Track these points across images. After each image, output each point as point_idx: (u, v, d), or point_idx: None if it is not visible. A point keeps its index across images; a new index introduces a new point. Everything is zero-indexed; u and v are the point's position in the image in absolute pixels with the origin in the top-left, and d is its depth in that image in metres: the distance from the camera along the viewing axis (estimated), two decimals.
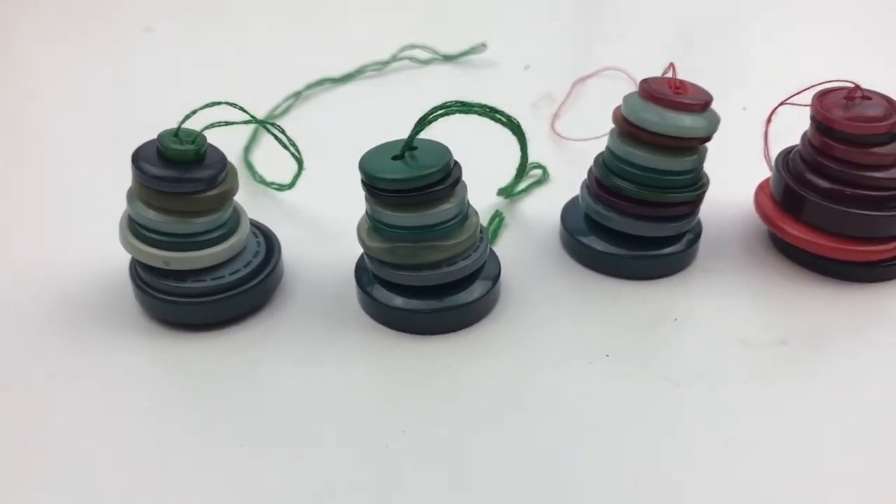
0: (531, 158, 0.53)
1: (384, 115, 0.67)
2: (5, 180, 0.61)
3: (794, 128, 0.51)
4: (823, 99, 0.48)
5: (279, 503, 0.38)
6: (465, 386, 0.43)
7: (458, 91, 0.52)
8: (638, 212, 0.49)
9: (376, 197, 0.44)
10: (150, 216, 0.44)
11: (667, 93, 0.47)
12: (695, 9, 0.89)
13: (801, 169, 0.49)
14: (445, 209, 0.44)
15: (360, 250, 0.48)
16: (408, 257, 0.45)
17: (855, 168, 0.47)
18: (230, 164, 0.46)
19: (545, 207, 0.56)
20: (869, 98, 0.48)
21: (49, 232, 0.55)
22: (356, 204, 0.47)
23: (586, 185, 0.51)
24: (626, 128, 0.48)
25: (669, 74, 0.48)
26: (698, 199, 0.49)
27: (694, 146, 0.48)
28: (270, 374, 0.44)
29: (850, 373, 0.44)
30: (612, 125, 0.49)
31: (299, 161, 0.52)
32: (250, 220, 0.49)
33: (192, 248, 0.45)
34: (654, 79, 0.48)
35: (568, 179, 0.57)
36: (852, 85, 0.48)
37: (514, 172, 0.53)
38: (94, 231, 0.52)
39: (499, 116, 0.46)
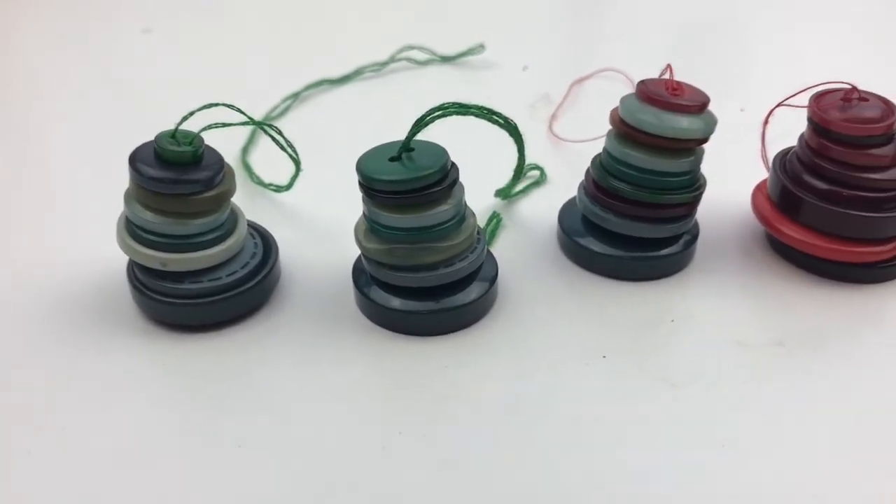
0: (529, 160, 0.53)
1: (382, 117, 0.68)
2: (2, 181, 0.61)
3: (791, 129, 0.51)
4: (820, 100, 0.49)
5: (277, 503, 0.38)
6: (463, 387, 0.43)
7: (456, 92, 0.52)
8: (635, 213, 0.49)
9: (373, 198, 0.44)
10: (148, 217, 0.44)
11: (664, 94, 0.47)
12: (693, 10, 0.89)
13: (799, 170, 0.49)
14: (442, 210, 0.44)
15: (358, 251, 0.48)
16: (405, 258, 0.45)
17: (852, 169, 0.47)
18: (227, 165, 0.46)
19: (543, 209, 0.56)
20: (866, 99, 0.48)
21: (46, 233, 0.55)
22: (354, 205, 0.47)
23: (583, 187, 0.51)
24: (623, 129, 0.48)
25: (666, 76, 0.48)
26: (695, 201, 0.49)
27: (691, 147, 0.48)
28: (268, 375, 0.44)
29: (847, 373, 0.44)
30: (609, 126, 0.49)
31: (297, 162, 0.52)
32: (248, 221, 0.49)
33: (190, 249, 0.45)
34: (651, 80, 0.48)
35: (566, 181, 0.57)
36: (849, 86, 0.48)
37: (511, 174, 0.53)
38: (91, 232, 0.52)
39: (496, 118, 0.46)
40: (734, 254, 0.52)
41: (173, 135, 0.44)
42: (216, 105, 0.45)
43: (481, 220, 0.53)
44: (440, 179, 0.44)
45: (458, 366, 0.45)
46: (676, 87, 0.47)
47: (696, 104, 0.47)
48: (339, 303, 0.48)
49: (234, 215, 0.47)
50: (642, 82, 0.48)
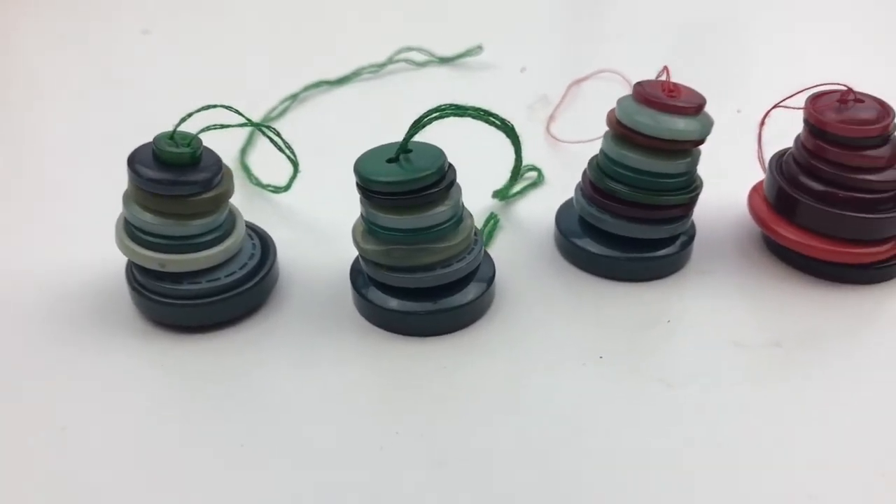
0: (526, 161, 0.53)
1: (381, 118, 0.68)
2: (1, 182, 0.61)
3: (788, 130, 0.51)
4: (816, 102, 0.49)
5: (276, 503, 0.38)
6: (460, 387, 0.44)
7: (454, 93, 0.52)
8: (632, 214, 0.49)
9: (371, 199, 0.44)
10: (146, 219, 0.44)
11: (660, 96, 0.47)
12: (691, 11, 0.90)
13: (795, 171, 0.49)
14: (440, 212, 0.44)
15: (356, 252, 0.48)
16: (402, 259, 0.45)
17: (848, 171, 0.47)
18: (226, 166, 0.46)
19: (540, 210, 0.56)
20: (861, 101, 0.48)
21: (45, 234, 0.55)
22: (351, 206, 0.47)
23: (580, 188, 0.52)
24: (620, 130, 0.48)
25: (663, 77, 0.48)
26: (692, 202, 0.50)
27: (687, 149, 0.48)
28: (266, 375, 0.44)
29: (844, 374, 0.44)
30: (606, 128, 0.50)
31: (295, 164, 0.52)
32: (246, 222, 0.49)
33: (188, 250, 0.45)
34: (648, 82, 0.48)
35: (563, 182, 0.57)
36: (845, 88, 0.48)
37: (509, 175, 0.54)
38: (90, 233, 0.52)
39: (493, 119, 0.46)
40: (731, 255, 0.52)
41: (172, 136, 0.44)
42: (214, 106, 0.45)
43: (479, 221, 0.54)
44: (437, 181, 0.44)
45: (455, 366, 0.45)
46: (673, 89, 0.48)
47: (693, 106, 0.47)
48: (336, 303, 0.48)
49: (233, 216, 0.47)
50: (639, 84, 0.48)
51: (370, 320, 0.47)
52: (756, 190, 0.53)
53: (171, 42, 0.83)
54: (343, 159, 0.46)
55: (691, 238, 0.51)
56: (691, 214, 0.51)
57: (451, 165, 0.45)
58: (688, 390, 0.43)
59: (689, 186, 0.49)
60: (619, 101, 0.48)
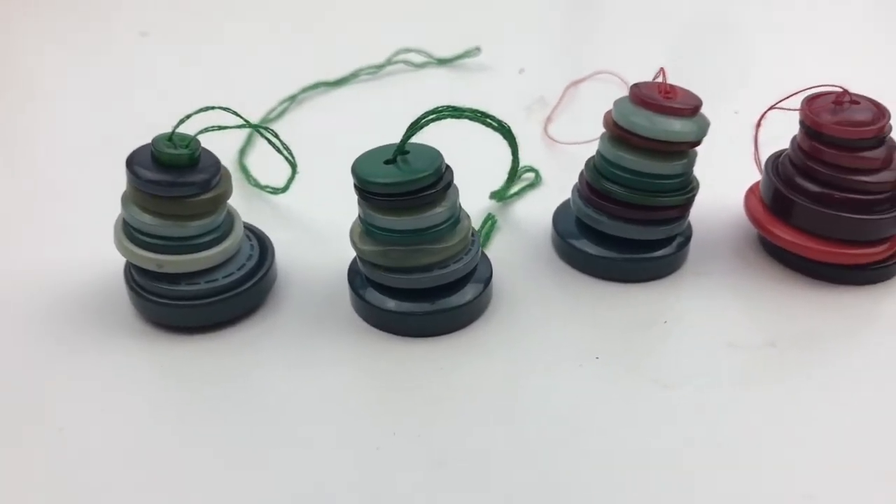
0: (524, 162, 0.53)
1: (379, 119, 0.68)
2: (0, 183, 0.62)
3: (784, 132, 0.51)
4: (812, 103, 0.49)
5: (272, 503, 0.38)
6: (457, 388, 0.44)
7: (452, 95, 0.53)
8: (628, 215, 0.49)
9: (368, 201, 0.44)
10: (145, 220, 0.44)
11: (656, 97, 0.47)
12: (688, 13, 0.90)
13: (791, 173, 0.50)
14: (437, 213, 0.44)
15: (353, 253, 0.48)
16: (400, 260, 0.45)
17: (844, 172, 0.48)
18: (224, 167, 0.46)
19: (537, 211, 0.56)
20: (857, 102, 0.49)
21: (44, 235, 0.55)
22: (349, 207, 0.47)
23: (577, 189, 0.52)
24: (617, 132, 0.48)
25: (660, 79, 0.49)
26: (688, 203, 0.50)
27: (683, 150, 0.48)
28: (264, 376, 0.44)
29: (840, 374, 0.44)
30: (603, 129, 0.50)
31: (293, 165, 0.52)
32: (244, 223, 0.49)
33: (186, 251, 0.45)
34: (645, 83, 0.49)
35: (560, 183, 0.57)
36: (840, 89, 0.49)
37: (506, 176, 0.54)
38: (88, 234, 0.52)
39: (490, 121, 0.46)
40: (727, 256, 0.53)
41: (170, 138, 0.44)
42: (213, 108, 0.45)
43: (476, 222, 0.54)
44: (435, 182, 0.44)
45: (452, 367, 0.45)
46: (669, 91, 0.48)
47: (689, 107, 0.47)
48: (334, 304, 0.49)
49: (231, 217, 0.48)
50: (635, 85, 0.48)
51: (368, 321, 0.47)
52: (752, 191, 0.53)
53: (169, 43, 0.83)
54: (341, 160, 0.46)
55: (688, 239, 0.51)
56: (688, 216, 0.51)
57: (448, 167, 0.45)
58: (684, 391, 0.43)
59: (686, 188, 0.49)
60: (616, 103, 0.49)
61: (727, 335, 0.47)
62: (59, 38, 0.84)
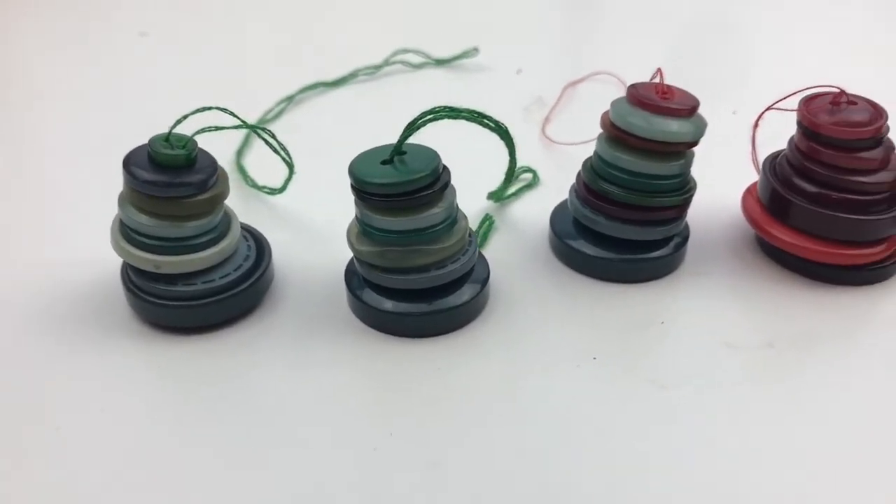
0: (522, 162, 0.53)
1: (377, 119, 0.68)
2: None
3: (781, 132, 0.51)
4: (810, 104, 0.49)
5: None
6: (454, 388, 0.44)
7: (450, 95, 0.53)
8: (626, 216, 0.49)
9: (365, 201, 0.44)
10: (142, 220, 0.44)
11: (654, 98, 0.47)
12: (687, 13, 0.90)
13: (788, 173, 0.50)
14: (434, 213, 0.44)
15: (350, 254, 0.48)
16: (397, 261, 0.45)
17: (841, 172, 0.48)
18: (221, 168, 0.46)
19: (535, 211, 0.56)
20: (854, 103, 0.49)
21: (41, 235, 0.55)
22: (347, 208, 0.47)
23: (575, 190, 0.52)
24: (614, 132, 0.48)
25: (657, 80, 0.49)
26: (685, 203, 0.50)
27: (681, 151, 0.48)
28: (261, 376, 0.44)
29: (837, 375, 0.44)
30: (600, 130, 0.50)
31: (290, 165, 0.52)
32: (241, 223, 0.49)
33: (183, 251, 0.45)
34: (642, 84, 0.49)
35: (558, 183, 0.57)
36: (838, 90, 0.49)
37: (503, 176, 0.54)
38: (86, 235, 0.52)
39: (487, 121, 0.46)
40: (724, 256, 0.53)
41: (167, 138, 0.44)
42: (210, 108, 0.45)
43: (474, 223, 0.54)
44: (432, 182, 0.44)
45: (450, 367, 0.45)
46: (666, 91, 0.48)
47: (686, 108, 0.47)
48: (331, 305, 0.49)
49: (228, 218, 0.48)
50: (633, 86, 0.48)
51: (365, 321, 0.47)
52: (750, 192, 0.53)
53: (168, 44, 0.83)
54: (339, 161, 0.46)
55: (685, 240, 0.51)
56: (685, 216, 0.51)
57: (445, 167, 0.45)
58: (681, 391, 0.43)
59: (683, 188, 0.49)
60: (613, 104, 0.49)
61: (725, 335, 0.47)
62: (57, 38, 0.84)
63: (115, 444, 0.41)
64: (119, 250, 0.46)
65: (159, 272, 0.45)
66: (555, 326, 0.47)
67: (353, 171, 0.44)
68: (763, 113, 0.51)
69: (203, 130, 0.44)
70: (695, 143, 0.48)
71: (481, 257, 0.50)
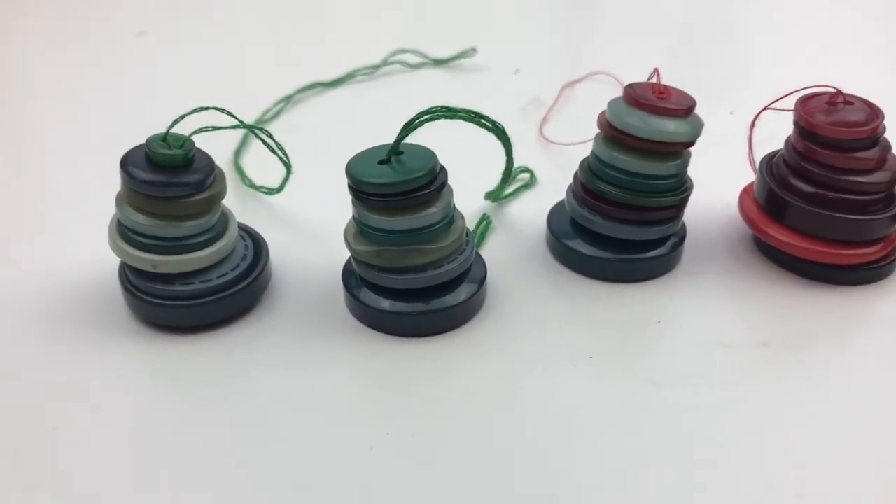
0: (519, 162, 0.53)
1: (375, 120, 0.68)
2: None
3: (778, 132, 0.51)
4: (806, 104, 0.49)
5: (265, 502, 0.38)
6: (451, 387, 0.44)
7: (448, 95, 0.53)
8: (622, 216, 0.49)
9: (363, 201, 0.44)
10: (139, 220, 0.44)
11: (650, 98, 0.47)
12: (685, 13, 0.90)
13: (785, 173, 0.50)
14: (431, 213, 0.44)
15: (348, 254, 0.48)
16: (394, 261, 0.45)
17: (837, 172, 0.48)
18: (218, 168, 0.46)
19: (532, 211, 0.56)
20: (851, 103, 0.49)
21: (39, 235, 0.55)
22: (344, 208, 0.47)
23: (572, 190, 0.52)
24: (611, 132, 0.48)
25: (654, 80, 0.49)
26: (682, 203, 0.50)
27: (677, 151, 0.48)
28: (258, 376, 0.44)
29: (832, 375, 0.44)
30: (597, 130, 0.50)
31: (287, 165, 0.52)
32: (239, 223, 0.49)
33: (181, 251, 0.45)
34: (639, 84, 0.49)
35: (555, 183, 0.57)
36: (834, 90, 0.49)
37: (501, 176, 0.54)
38: (83, 234, 0.52)
39: (484, 121, 0.46)
40: (721, 256, 0.53)
41: (164, 138, 0.44)
42: (207, 108, 0.45)
43: (471, 222, 0.54)
44: (429, 182, 0.44)
45: (447, 367, 0.45)
46: (663, 91, 0.48)
47: (683, 108, 0.47)
48: (329, 304, 0.49)
49: (225, 217, 0.48)
50: (630, 86, 0.48)
51: (362, 321, 0.47)
52: (747, 191, 0.53)
53: (166, 44, 0.83)
54: (336, 161, 0.46)
55: (682, 239, 0.51)
56: (682, 216, 0.51)
57: (442, 167, 0.45)
58: (677, 391, 0.43)
59: (680, 188, 0.49)
60: (610, 104, 0.49)
61: (721, 335, 0.47)
62: (55, 39, 0.85)
63: (113, 444, 0.41)
64: (116, 250, 0.46)
65: (157, 272, 0.45)
66: (552, 326, 0.47)
67: (350, 170, 0.44)
68: (760, 113, 0.52)
69: (200, 130, 0.44)
70: (691, 143, 0.48)
71: (478, 257, 0.50)
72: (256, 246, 0.50)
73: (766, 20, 0.88)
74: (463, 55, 0.77)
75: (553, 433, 0.41)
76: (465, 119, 0.46)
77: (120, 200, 0.45)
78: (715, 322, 0.48)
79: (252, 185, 0.58)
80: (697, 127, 0.48)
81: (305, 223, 0.56)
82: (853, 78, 0.53)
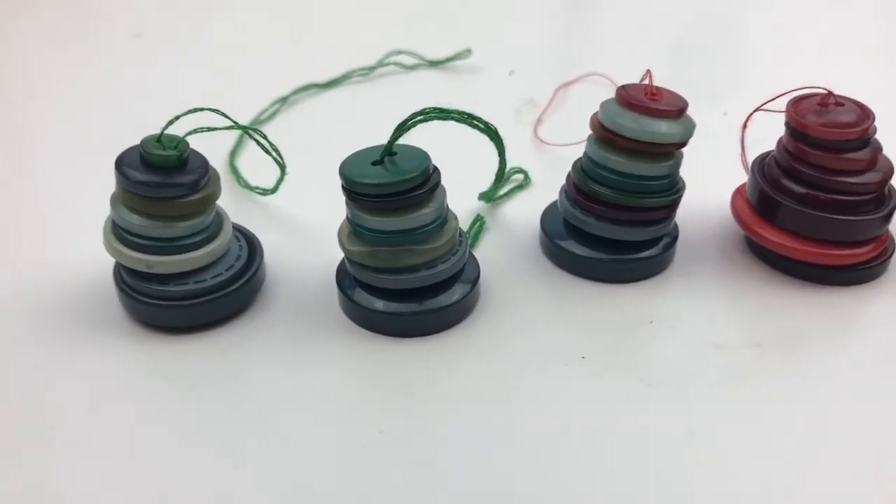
0: (513, 163, 0.53)
1: (370, 121, 0.68)
2: None
3: (770, 134, 0.52)
4: (798, 105, 0.49)
5: (258, 503, 0.38)
6: (444, 387, 0.44)
7: (443, 96, 0.53)
8: (615, 216, 0.49)
9: (356, 202, 0.45)
10: (134, 220, 0.44)
11: (643, 99, 0.47)
12: (680, 15, 0.90)
13: (777, 174, 0.50)
14: (424, 213, 0.45)
15: (342, 254, 0.48)
16: (387, 261, 0.45)
17: (829, 173, 0.48)
18: (212, 168, 0.46)
19: (526, 212, 0.56)
20: (842, 104, 0.49)
21: (33, 235, 0.56)
22: (338, 208, 0.47)
23: (565, 190, 0.52)
24: (603, 134, 0.48)
25: (646, 81, 0.49)
26: (674, 204, 0.50)
27: (669, 152, 0.48)
28: (252, 376, 0.45)
29: (824, 375, 0.45)
30: (590, 131, 0.50)
31: (282, 166, 0.52)
32: (233, 224, 0.50)
33: (175, 251, 0.45)
34: (631, 85, 0.49)
35: (549, 184, 0.57)
36: (825, 91, 0.49)
37: (494, 177, 0.54)
38: (79, 235, 0.52)
39: (476, 122, 0.47)
40: (713, 256, 0.53)
41: (159, 139, 0.44)
42: (201, 109, 0.45)
43: (465, 223, 0.54)
44: (422, 183, 0.44)
45: (440, 366, 0.45)
46: (655, 93, 0.48)
47: (675, 109, 0.47)
48: (323, 305, 0.49)
49: (220, 218, 0.48)
50: (622, 87, 0.49)
51: (356, 321, 0.48)
52: (739, 192, 0.53)
53: (162, 45, 0.83)
54: (331, 162, 0.46)
55: (674, 240, 0.52)
56: (674, 216, 0.51)
57: (435, 168, 0.45)
58: (669, 390, 0.44)
59: (672, 189, 0.50)
60: (602, 105, 0.49)
61: (713, 335, 0.47)
62: (52, 40, 0.85)
63: (107, 444, 0.41)
64: (111, 250, 0.46)
65: (151, 272, 0.45)
66: (544, 326, 0.48)
67: (343, 171, 0.44)
68: (752, 114, 0.52)
69: (195, 131, 0.45)
70: (683, 144, 0.48)
71: (472, 257, 0.50)
72: (251, 246, 0.50)
73: (760, 22, 0.88)
74: (458, 56, 0.77)
75: (545, 432, 0.41)
76: (457, 120, 0.46)
77: (115, 201, 0.45)
78: (707, 322, 0.48)
79: (247, 186, 0.59)
80: (689, 128, 0.48)
81: (300, 224, 0.56)
82: (845, 79, 0.53)
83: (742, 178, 0.54)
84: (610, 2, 0.95)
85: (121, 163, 0.44)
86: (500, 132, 0.49)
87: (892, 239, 0.52)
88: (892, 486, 0.39)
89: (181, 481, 0.39)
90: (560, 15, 0.94)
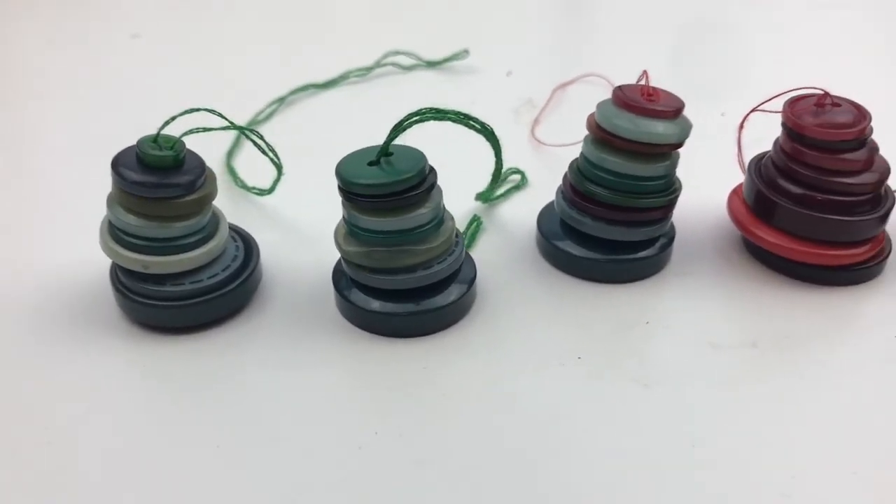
0: (511, 164, 0.53)
1: (368, 121, 0.68)
2: None
3: (767, 134, 0.52)
4: (794, 106, 0.49)
5: (254, 503, 0.38)
6: (440, 387, 0.44)
7: (440, 97, 0.53)
8: (611, 217, 0.49)
9: (352, 202, 0.45)
10: (130, 221, 0.44)
11: (639, 100, 0.47)
12: (677, 16, 0.90)
13: (773, 174, 0.50)
14: (421, 214, 0.45)
15: (338, 255, 0.48)
16: (384, 261, 0.45)
17: (825, 174, 0.48)
18: (209, 169, 0.46)
19: (523, 212, 0.56)
20: (838, 105, 0.49)
21: (30, 236, 0.56)
22: (334, 209, 0.47)
23: (561, 191, 0.52)
24: (600, 134, 0.48)
25: (643, 82, 0.49)
26: (671, 204, 0.50)
27: (666, 152, 0.48)
28: (249, 376, 0.45)
29: (820, 375, 0.45)
30: (586, 132, 0.50)
31: (278, 167, 0.52)
32: (230, 224, 0.50)
33: (171, 252, 0.45)
34: (628, 86, 0.49)
35: (547, 185, 0.57)
36: (822, 92, 0.49)
37: (491, 177, 0.54)
38: (75, 235, 0.52)
39: (472, 123, 0.47)
40: (710, 257, 0.53)
41: (155, 139, 0.44)
42: (198, 110, 0.45)
43: (462, 223, 0.54)
44: (418, 183, 0.44)
45: (436, 367, 0.45)
46: (652, 93, 0.48)
47: (671, 109, 0.47)
48: (319, 305, 0.49)
49: (216, 218, 0.48)
50: (619, 88, 0.49)
51: (352, 321, 0.48)
52: (736, 193, 0.53)
53: (160, 46, 0.83)
54: (328, 162, 0.46)
55: (671, 240, 0.52)
56: (670, 217, 0.51)
57: (432, 168, 0.45)
58: (665, 390, 0.44)
59: (668, 189, 0.50)
60: (599, 105, 0.49)
61: (709, 335, 0.47)
62: (50, 40, 0.85)
63: (104, 444, 0.41)
64: (108, 251, 0.46)
65: (148, 272, 0.45)
66: (541, 326, 0.48)
67: (339, 172, 0.44)
68: (748, 115, 0.52)
69: (191, 132, 0.45)
70: (680, 145, 0.48)
71: (468, 257, 0.50)
72: (247, 247, 0.50)
73: (757, 22, 0.88)
74: (455, 57, 0.77)
75: (542, 432, 0.41)
76: (454, 121, 0.46)
77: (111, 201, 0.45)
78: (703, 322, 0.48)
79: (243, 186, 0.59)
80: (686, 128, 0.48)
81: (296, 224, 0.56)
82: (842, 80, 0.53)
83: (739, 178, 0.54)
84: (607, 3, 0.95)
85: (117, 163, 0.44)
86: (498, 132, 0.49)
87: (889, 239, 0.52)
88: (889, 485, 0.39)
89: (178, 481, 0.39)
90: (557, 16, 0.94)
